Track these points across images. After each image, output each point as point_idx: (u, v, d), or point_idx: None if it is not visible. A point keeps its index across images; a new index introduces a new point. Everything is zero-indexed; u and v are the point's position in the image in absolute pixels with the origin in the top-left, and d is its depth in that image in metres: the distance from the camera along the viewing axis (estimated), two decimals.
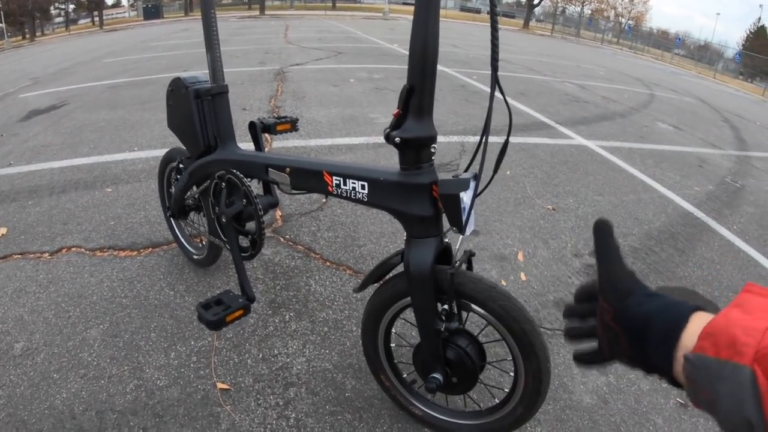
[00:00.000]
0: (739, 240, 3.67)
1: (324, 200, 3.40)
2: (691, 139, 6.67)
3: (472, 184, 1.32)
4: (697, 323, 0.55)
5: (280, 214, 3.17)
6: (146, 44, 14.06)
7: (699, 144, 6.45)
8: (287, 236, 2.93)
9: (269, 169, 1.78)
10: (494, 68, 1.24)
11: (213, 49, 1.98)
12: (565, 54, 17.55)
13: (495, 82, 1.25)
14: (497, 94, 1.25)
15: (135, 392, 1.82)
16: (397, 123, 1.33)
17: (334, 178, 1.55)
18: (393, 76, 8.02)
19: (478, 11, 50.49)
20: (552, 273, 2.85)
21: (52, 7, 35.68)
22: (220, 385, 1.88)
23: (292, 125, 2.25)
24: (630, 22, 49.41)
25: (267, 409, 1.80)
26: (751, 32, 53.96)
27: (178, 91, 2.05)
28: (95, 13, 36.40)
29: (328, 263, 2.72)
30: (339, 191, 1.55)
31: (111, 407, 1.75)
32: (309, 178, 1.65)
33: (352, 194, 1.52)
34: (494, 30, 1.21)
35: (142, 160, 3.98)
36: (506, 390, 1.58)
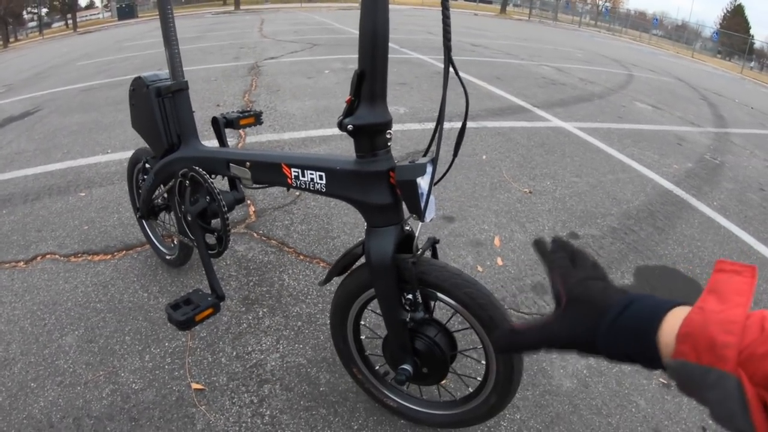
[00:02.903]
0: (720, 216, 3.68)
1: (297, 193, 3.35)
2: (670, 117, 6.69)
3: (429, 168, 1.28)
4: (673, 322, 0.53)
5: (253, 209, 3.12)
6: (120, 44, 13.87)
7: (677, 122, 6.46)
8: (260, 231, 2.88)
9: (230, 164, 1.75)
10: (447, 48, 1.19)
11: (171, 45, 1.92)
12: (542, 38, 17.53)
13: (448, 62, 1.21)
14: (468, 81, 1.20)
15: (111, 397, 1.80)
16: (350, 110, 1.28)
17: (292, 170, 1.51)
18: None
19: None
20: (529, 257, 2.83)
21: (24, 12, 35.08)
22: (194, 386, 1.86)
23: (256, 118, 2.21)
24: (607, 4, 49.63)
25: (242, 407, 1.78)
26: (727, 11, 54.25)
27: (139, 90, 2.01)
28: (69, 15, 35.87)
29: (301, 257, 2.68)
30: (298, 183, 1.51)
31: (88, 413, 1.73)
32: (268, 171, 1.61)
33: (311, 185, 1.48)
34: (445, 8, 1.16)
35: (116, 162, 3.91)
36: (479, 379, 1.54)
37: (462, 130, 1.32)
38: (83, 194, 3.32)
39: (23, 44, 27.26)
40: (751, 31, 46.79)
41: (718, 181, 4.44)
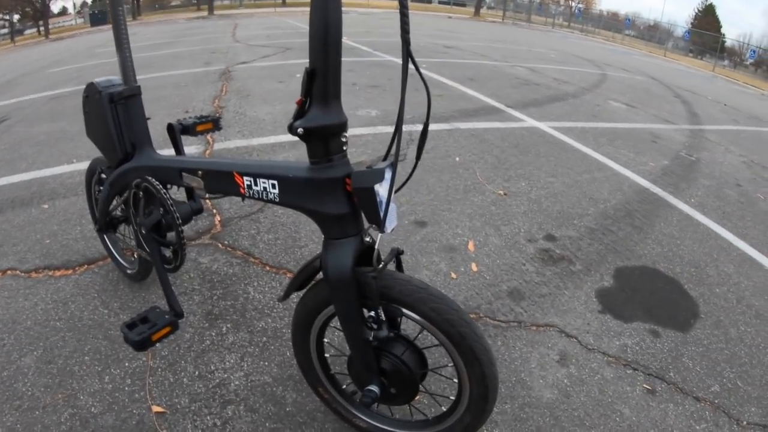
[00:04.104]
0: (698, 213, 3.68)
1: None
2: (644, 115, 6.71)
3: (388, 174, 1.18)
4: None
5: (219, 219, 3.00)
6: (92, 51, 13.64)
7: (652, 120, 6.49)
8: (226, 242, 2.76)
9: (183, 173, 1.65)
10: (405, 41, 1.09)
11: (123, 48, 1.84)
12: (516, 39, 17.62)
13: (407, 56, 1.11)
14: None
15: (69, 422, 1.68)
16: (300, 112, 1.17)
17: (244, 178, 1.40)
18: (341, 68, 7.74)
19: (429, 1, 50.48)
20: (505, 261, 2.76)
21: None
22: (155, 409, 1.75)
23: (214, 124, 2.13)
24: (580, 5, 50.12)
25: (204, 430, 1.68)
26: (699, 10, 55.22)
27: (92, 96, 1.92)
28: (41, 22, 35.27)
29: (267, 267, 2.57)
30: (251, 192, 1.40)
31: None
32: (221, 180, 1.51)
33: (264, 195, 1.37)
34: (403, 0, 1.06)
35: (80, 172, 3.77)
36: (452, 398, 1.45)
37: (424, 131, 1.22)
38: (46, 206, 3.19)
39: None
40: (722, 30, 47.67)
41: (694, 178, 4.45)
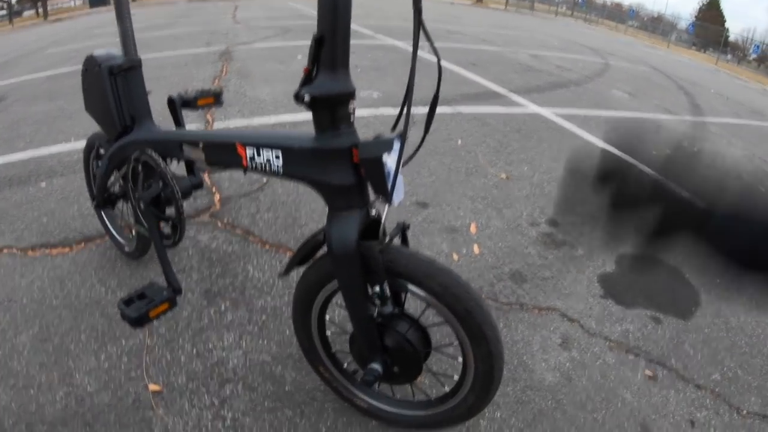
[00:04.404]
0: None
1: (265, 180, 3.21)
2: (647, 105, 6.65)
3: (397, 144, 1.14)
4: None
5: (218, 197, 2.97)
6: (91, 32, 13.45)
7: (655, 110, 6.43)
8: (225, 220, 2.73)
9: (183, 145, 1.62)
10: (417, 10, 1.05)
11: (123, 20, 1.81)
12: (518, 26, 17.46)
13: (419, 25, 1.07)
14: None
15: (65, 400, 1.66)
16: (307, 79, 1.14)
17: (247, 149, 1.36)
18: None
19: None
20: (507, 244, 2.73)
21: None
22: (152, 387, 1.73)
23: (216, 98, 2.08)
24: None
25: (201, 410, 1.66)
26: (703, 3, 54.85)
27: (91, 70, 1.88)
28: (39, 3, 34.96)
29: (267, 246, 2.55)
30: (253, 164, 1.37)
31: (41, 418, 1.60)
32: (222, 151, 1.48)
33: (267, 166, 1.33)
34: None
35: (78, 150, 3.71)
36: (456, 378, 1.43)
37: (434, 103, 1.18)
38: (44, 184, 3.16)
39: None
40: (726, 25, 47.41)
41: (696, 168, 4.39)
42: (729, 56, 33.48)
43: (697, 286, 2.60)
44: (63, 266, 2.34)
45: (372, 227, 1.27)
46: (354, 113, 1.21)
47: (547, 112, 5.35)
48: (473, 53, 8.57)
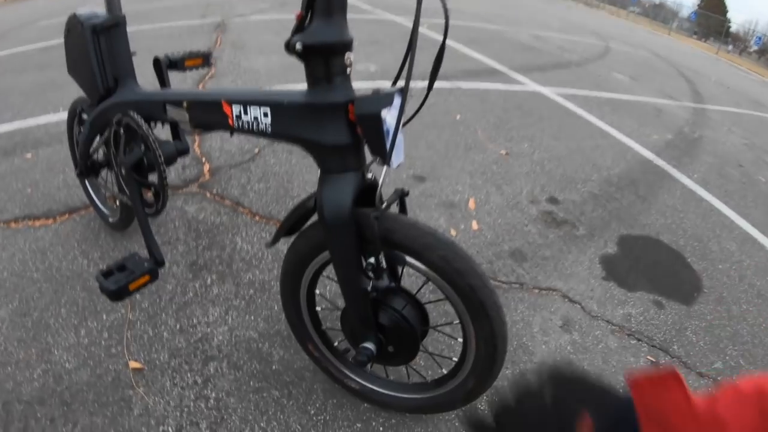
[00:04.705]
0: (701, 188, 3.63)
1: (257, 150, 3.11)
2: (648, 89, 6.60)
3: (397, 100, 1.03)
4: None
5: (208, 167, 2.86)
6: (84, 1, 13.28)
7: (655, 95, 6.39)
8: (214, 191, 2.63)
9: (167, 106, 1.51)
10: None
11: None
12: (519, 5, 17.25)
13: None
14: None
15: (43, 378, 1.59)
16: (299, 27, 1.02)
17: (233, 107, 1.25)
18: None
19: None
20: (507, 221, 2.66)
21: None
22: (132, 364, 1.65)
23: (204, 59, 1.98)
24: None
25: (184, 389, 1.58)
26: None
27: (74, 30, 1.78)
28: None
29: (257, 217, 2.45)
30: (240, 123, 1.25)
31: (18, 397, 1.53)
32: (207, 111, 1.36)
33: (255, 126, 1.22)
34: None
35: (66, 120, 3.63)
36: (455, 359, 1.34)
37: (440, 52, 1.06)
38: (29, 155, 3.05)
39: None
40: (728, 15, 47.23)
41: (697, 154, 4.39)
42: (730, 47, 33.38)
43: (699, 271, 2.56)
44: (45, 238, 2.25)
45: (368, 193, 1.16)
46: (351, 66, 1.09)
47: (547, 91, 5.28)
48: (473, 31, 8.44)
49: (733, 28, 38.34)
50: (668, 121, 5.19)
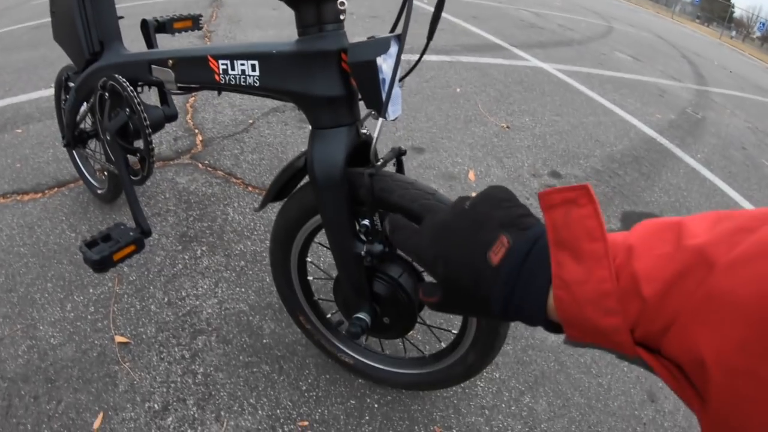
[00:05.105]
0: (704, 168, 3.59)
1: (251, 121, 3.03)
2: (651, 70, 6.55)
3: (394, 47, 0.95)
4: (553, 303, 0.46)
5: (200, 138, 2.79)
6: None
7: (658, 75, 6.34)
8: (206, 162, 2.56)
9: (152, 66, 1.44)
10: None
11: None
12: None
13: None
14: None
15: (27, 354, 1.56)
16: None
17: (220, 62, 1.17)
18: None
19: None
20: None
21: None
22: (118, 339, 1.61)
23: (194, 22, 1.91)
24: None
25: (171, 364, 1.54)
26: None
27: None
28: None
29: (249, 188, 2.38)
30: (227, 78, 1.17)
31: (1, 375, 1.50)
32: (193, 68, 1.29)
33: (242, 80, 1.14)
34: None
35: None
36: (454, 332, 1.27)
37: (440, 2, 0.98)
38: (20, 131, 2.99)
39: None
40: (732, 0, 46.97)
41: (700, 135, 4.35)
42: (734, 32, 33.18)
43: None
44: (33, 212, 2.20)
45: (362, 150, 1.07)
46: (345, 13, 1.00)
47: (549, 67, 5.21)
48: (473, 6, 8.34)
49: (737, 13, 38.13)
50: (671, 102, 5.14)
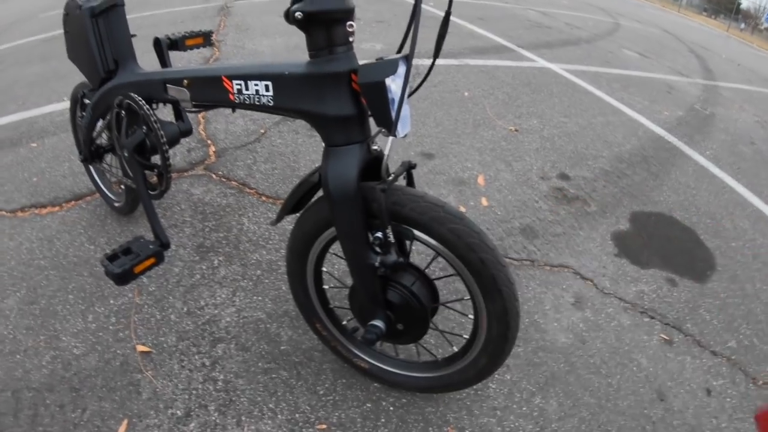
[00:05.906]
0: (713, 165, 3.58)
1: (262, 131, 3.07)
2: (658, 66, 6.51)
3: (402, 67, 1.00)
4: None
5: (213, 149, 2.83)
6: None
7: (666, 71, 6.30)
8: (220, 172, 2.60)
9: (167, 85, 1.49)
10: None
11: None
12: None
13: None
14: None
15: (51, 365, 1.59)
16: None
17: (234, 82, 1.22)
18: None
19: None
20: (517, 197, 2.63)
21: None
22: (140, 348, 1.65)
23: (205, 39, 1.96)
24: None
25: (192, 371, 1.57)
26: None
27: (72, 13, 1.77)
28: None
29: (263, 198, 2.42)
30: (241, 98, 1.22)
31: (27, 385, 1.53)
32: (208, 87, 1.34)
33: (256, 99, 1.19)
34: None
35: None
36: (466, 337, 1.31)
37: (446, 19, 1.03)
38: (35, 145, 3.04)
39: None
40: None
41: (709, 131, 4.34)
42: (742, 24, 32.82)
43: (712, 249, 2.53)
44: (52, 226, 2.24)
45: (374, 166, 1.12)
46: (353, 35, 1.05)
47: (556, 68, 5.20)
48: (480, 8, 8.34)
49: (744, 4, 37.70)
50: (679, 98, 5.11)
